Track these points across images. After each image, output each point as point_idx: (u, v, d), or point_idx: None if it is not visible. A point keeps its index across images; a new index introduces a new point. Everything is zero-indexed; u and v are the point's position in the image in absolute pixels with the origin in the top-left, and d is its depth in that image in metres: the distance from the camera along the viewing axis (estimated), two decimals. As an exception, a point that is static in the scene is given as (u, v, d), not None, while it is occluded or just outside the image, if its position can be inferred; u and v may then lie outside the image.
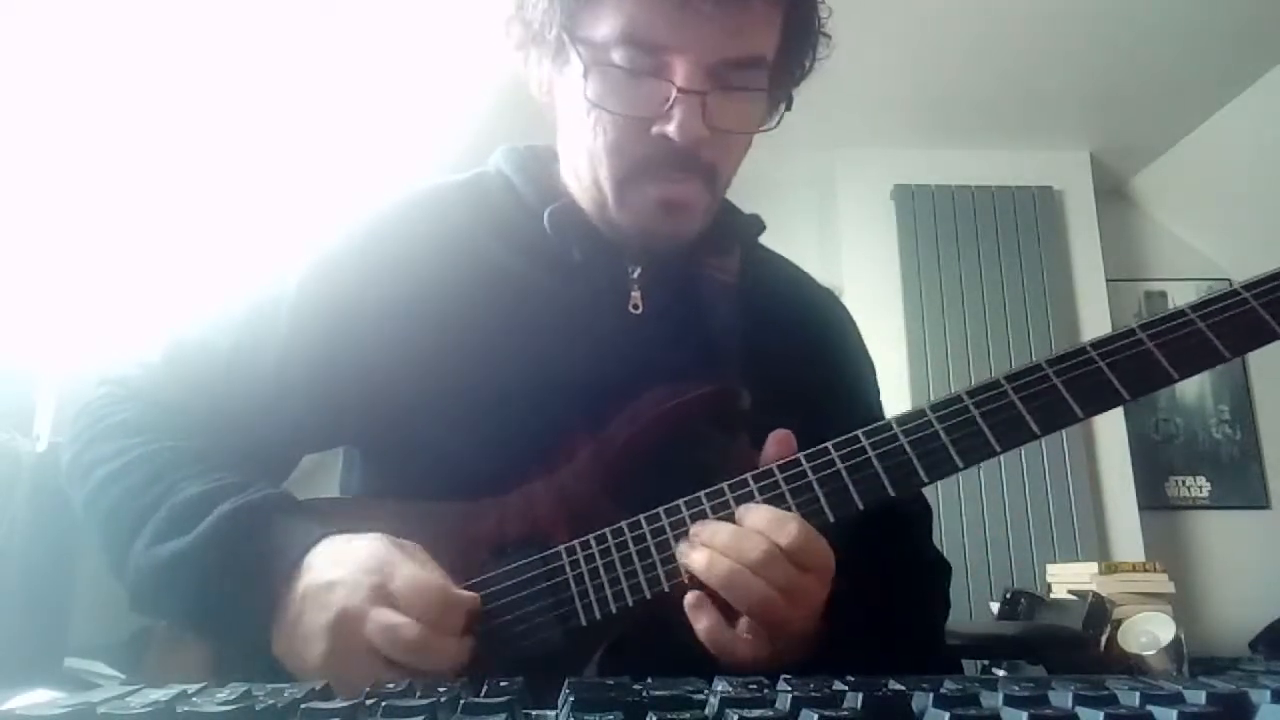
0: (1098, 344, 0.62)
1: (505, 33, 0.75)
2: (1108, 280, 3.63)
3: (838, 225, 3.69)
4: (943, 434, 0.61)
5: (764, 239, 0.87)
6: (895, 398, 0.85)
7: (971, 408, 0.61)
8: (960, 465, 0.61)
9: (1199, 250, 3.87)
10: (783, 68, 0.74)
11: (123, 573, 0.66)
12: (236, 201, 2.86)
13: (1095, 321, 3.53)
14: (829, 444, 0.63)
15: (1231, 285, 0.62)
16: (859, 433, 0.63)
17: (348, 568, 0.58)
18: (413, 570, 0.58)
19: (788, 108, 0.75)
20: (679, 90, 0.67)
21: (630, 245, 0.76)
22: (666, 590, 0.61)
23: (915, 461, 0.61)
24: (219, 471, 0.67)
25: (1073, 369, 0.61)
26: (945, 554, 0.84)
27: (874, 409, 0.87)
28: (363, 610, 0.56)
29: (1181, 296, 3.84)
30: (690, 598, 0.60)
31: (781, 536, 0.58)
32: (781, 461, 0.63)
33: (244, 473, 0.68)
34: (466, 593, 0.59)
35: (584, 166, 0.74)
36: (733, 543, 0.58)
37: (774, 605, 0.57)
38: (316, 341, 0.74)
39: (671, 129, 0.67)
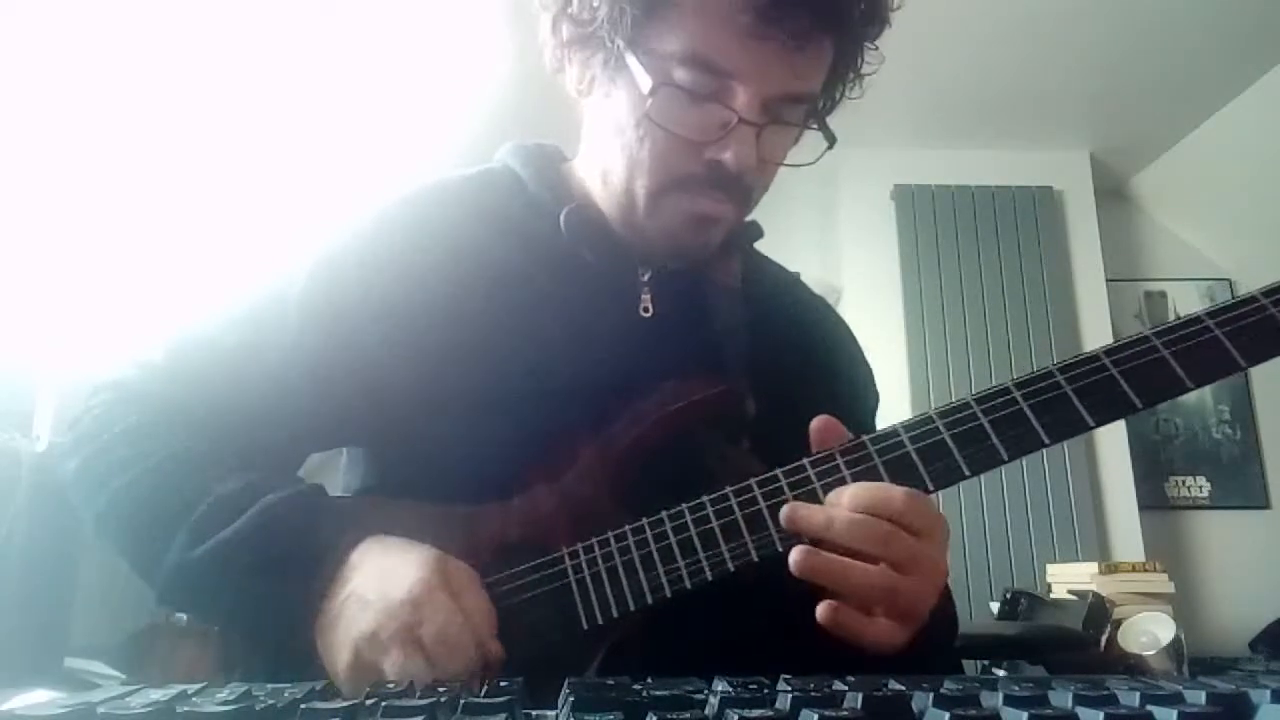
0: (1110, 351, 0.60)
1: (551, 29, 0.74)
2: (1108, 280, 3.63)
3: (838, 225, 3.69)
4: (950, 441, 0.60)
5: (766, 238, 0.87)
6: (895, 398, 0.84)
7: (980, 415, 0.60)
8: (968, 474, 0.60)
9: (1199, 250, 3.87)
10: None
11: (153, 576, 0.65)
12: (239, 200, 2.86)
13: (1095, 321, 3.53)
14: (835, 449, 0.62)
15: (1232, 286, 0.61)
16: (865, 439, 0.62)
17: (389, 590, 0.58)
18: (447, 620, 0.57)
19: (829, 146, 0.75)
20: (740, 120, 0.67)
21: (652, 251, 0.76)
22: (668, 595, 0.61)
23: (921, 469, 0.60)
24: (244, 470, 0.67)
25: (1085, 377, 0.60)
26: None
27: (871, 414, 0.87)
28: (386, 645, 0.56)
29: (1181, 296, 3.87)
30: (823, 608, 0.58)
31: (888, 510, 0.57)
32: (814, 456, 0.63)
33: (260, 472, 0.68)
34: (493, 645, 0.58)
35: (618, 171, 0.74)
36: (849, 533, 0.57)
37: (901, 589, 0.57)
38: (322, 338, 0.73)
39: (728, 157, 0.68)
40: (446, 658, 0.56)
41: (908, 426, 0.62)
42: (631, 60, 0.68)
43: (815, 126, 0.74)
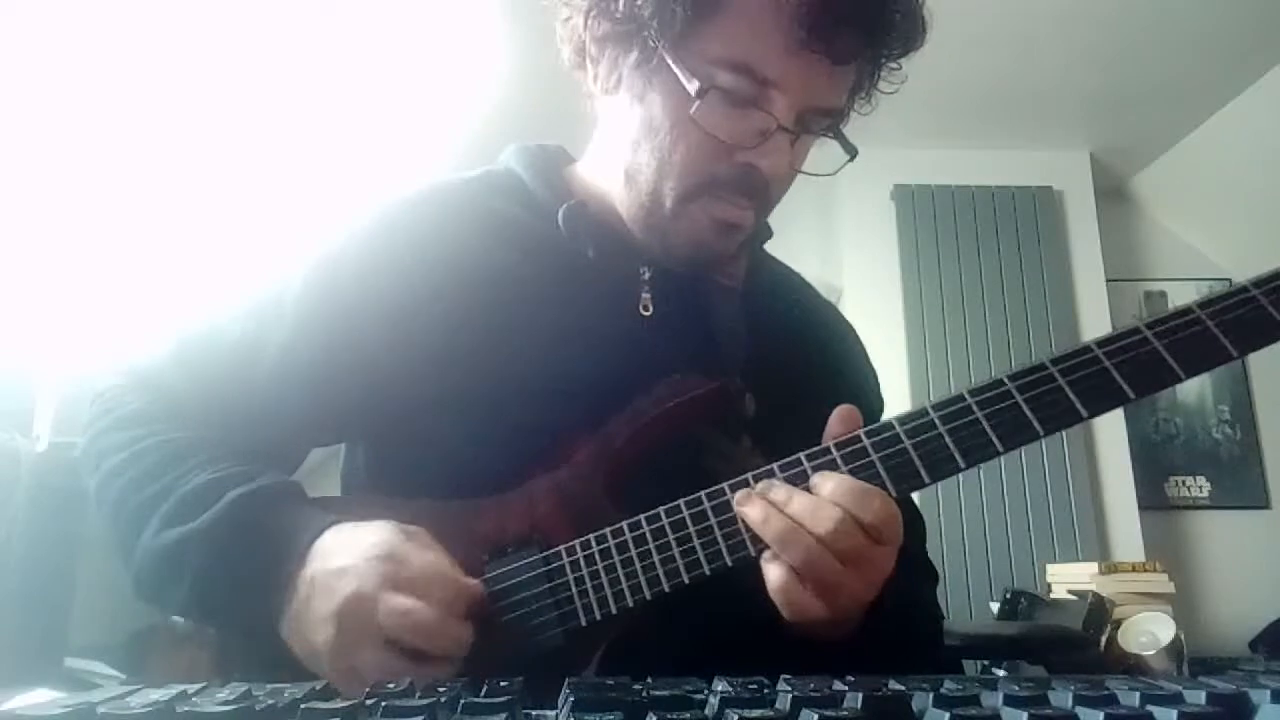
0: (1102, 343, 0.61)
1: (584, 24, 0.73)
2: (1108, 280, 3.63)
3: (838, 225, 3.69)
4: (945, 434, 0.61)
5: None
6: (895, 398, 0.85)
7: (974, 407, 0.61)
8: (962, 465, 0.60)
9: (1199, 250, 3.87)
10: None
11: (130, 560, 0.66)
12: (239, 199, 2.86)
13: (1095, 321, 3.52)
14: (830, 444, 0.63)
15: (1233, 284, 0.61)
16: (860, 431, 0.62)
17: (357, 554, 0.59)
18: (424, 557, 0.59)
19: (850, 158, 0.77)
20: (778, 127, 0.68)
21: (671, 254, 0.76)
22: (666, 590, 0.61)
23: (917, 461, 0.61)
24: (227, 460, 0.67)
25: (1077, 368, 0.60)
26: (945, 554, 0.84)
27: (875, 418, 0.87)
28: (374, 595, 0.57)
29: (1181, 296, 3.83)
30: (769, 554, 0.59)
31: (866, 513, 0.57)
32: (810, 450, 0.63)
33: (252, 464, 0.68)
34: (471, 580, 0.61)
35: (646, 172, 0.73)
36: (806, 511, 0.58)
37: (840, 575, 0.57)
38: (320, 337, 0.74)
39: (764, 163, 0.69)
40: (436, 590, 0.57)
41: (903, 420, 0.62)
42: (673, 61, 0.68)
43: (834, 137, 0.75)
